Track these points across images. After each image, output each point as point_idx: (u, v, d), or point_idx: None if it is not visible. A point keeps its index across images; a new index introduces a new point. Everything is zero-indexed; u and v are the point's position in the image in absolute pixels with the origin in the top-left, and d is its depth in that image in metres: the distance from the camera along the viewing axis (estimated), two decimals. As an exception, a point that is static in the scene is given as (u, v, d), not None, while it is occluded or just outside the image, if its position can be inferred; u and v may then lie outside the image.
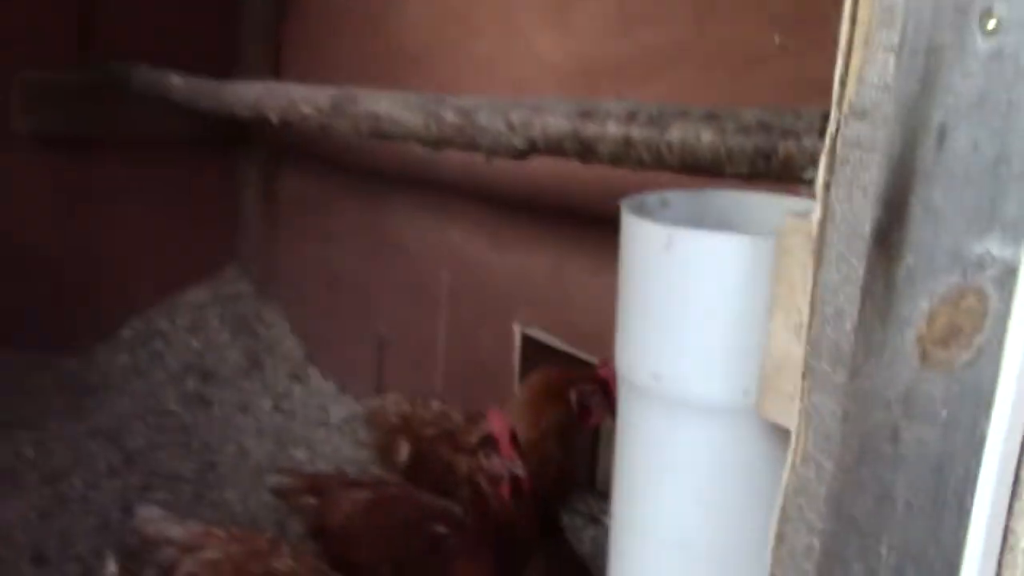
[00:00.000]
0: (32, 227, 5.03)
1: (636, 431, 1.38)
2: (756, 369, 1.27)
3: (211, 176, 5.50)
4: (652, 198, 1.49)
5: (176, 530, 2.55)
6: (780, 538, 1.16)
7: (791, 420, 1.21)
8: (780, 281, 1.22)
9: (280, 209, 5.40)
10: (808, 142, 1.68)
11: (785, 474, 1.15)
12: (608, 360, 3.25)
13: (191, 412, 4.75)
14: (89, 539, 3.69)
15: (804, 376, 1.13)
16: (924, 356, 0.98)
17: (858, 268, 1.03)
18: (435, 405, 3.51)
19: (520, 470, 2.31)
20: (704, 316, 1.28)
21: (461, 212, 3.86)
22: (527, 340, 3.55)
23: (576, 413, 3.12)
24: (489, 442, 2.37)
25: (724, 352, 1.28)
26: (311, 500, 3.00)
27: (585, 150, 2.13)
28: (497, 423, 2.36)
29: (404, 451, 3.42)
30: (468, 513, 2.85)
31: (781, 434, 1.27)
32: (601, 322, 3.22)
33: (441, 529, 2.74)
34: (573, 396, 3.13)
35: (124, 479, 4.09)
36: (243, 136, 5.37)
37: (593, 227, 3.25)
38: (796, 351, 1.21)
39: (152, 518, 2.69)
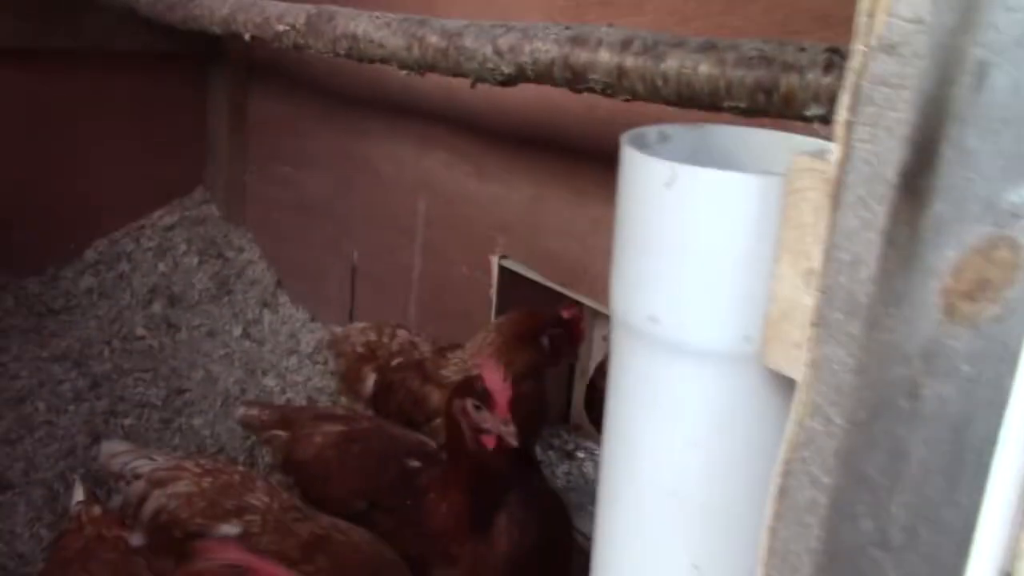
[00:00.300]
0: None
1: (631, 375, 1.33)
2: (759, 315, 1.22)
3: (179, 94, 5.32)
4: (651, 132, 1.42)
5: (144, 463, 2.50)
6: (782, 491, 1.12)
7: (796, 370, 1.16)
8: (789, 224, 1.16)
9: (250, 130, 5.25)
10: (812, 77, 1.61)
11: (789, 425, 1.11)
12: (571, 305, 3.24)
13: (158, 337, 4.67)
14: (55, 465, 3.62)
15: (814, 325, 1.08)
16: (949, 309, 0.93)
17: (879, 214, 0.98)
18: (401, 334, 3.46)
19: (513, 438, 2.27)
20: (706, 257, 1.22)
21: (440, 140, 3.76)
22: (504, 272, 3.49)
23: (547, 355, 3.13)
24: (484, 396, 2.31)
25: (726, 296, 1.23)
26: (281, 433, 2.97)
27: (576, 78, 2.05)
28: (496, 381, 2.30)
29: (369, 380, 3.37)
30: (441, 448, 2.83)
31: (784, 383, 1.23)
32: (581, 255, 3.18)
33: (414, 463, 2.71)
34: (545, 341, 3.12)
35: (91, 404, 4.01)
36: (213, 53, 5.19)
37: (575, 158, 3.18)
38: (804, 298, 1.15)
39: (117, 451, 2.63)
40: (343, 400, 3.56)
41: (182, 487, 2.37)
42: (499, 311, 3.53)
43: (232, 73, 5.22)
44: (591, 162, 3.09)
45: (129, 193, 5.27)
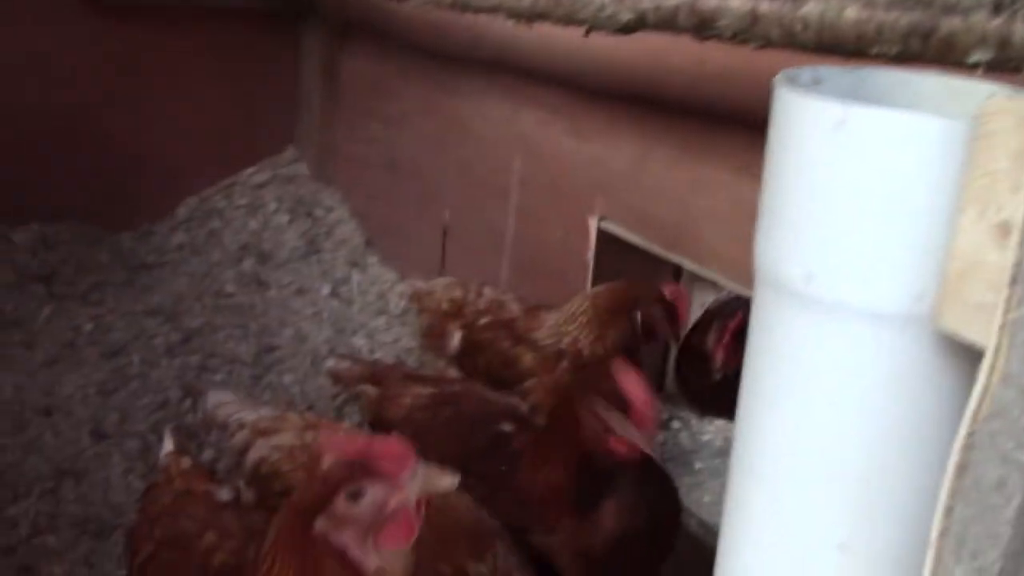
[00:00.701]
0: (84, 100, 4.87)
1: (778, 339, 1.23)
2: (933, 273, 1.10)
3: (272, 52, 5.30)
4: (804, 73, 1.30)
5: (249, 414, 2.48)
6: (962, 468, 1.01)
7: (978, 333, 1.05)
8: (977, 171, 1.04)
9: (342, 88, 5.21)
10: (977, 19, 1.47)
11: (975, 395, 1.00)
12: (674, 284, 3.13)
13: (248, 294, 4.67)
14: (148, 417, 3.65)
15: (1012, 283, 0.96)
16: None
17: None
18: (488, 292, 3.38)
19: (651, 450, 2.18)
20: (875, 207, 1.11)
21: (537, 96, 3.66)
22: (602, 235, 3.38)
23: (640, 332, 3.03)
24: (620, 401, 2.21)
25: (895, 251, 1.11)
26: (370, 389, 2.92)
27: (702, 25, 1.93)
28: (639, 393, 2.20)
29: (455, 337, 3.30)
30: (533, 412, 2.75)
31: (959, 349, 1.11)
32: (683, 217, 3.06)
33: (507, 427, 2.64)
34: (638, 317, 3.02)
35: (182, 358, 4.04)
36: (307, 10, 5.16)
37: (681, 116, 3.05)
38: (990, 254, 1.04)
39: (224, 401, 2.63)
40: (422, 358, 3.51)
41: (286, 439, 2.34)
42: (596, 275, 3.44)
43: (325, 31, 5.18)
44: (698, 120, 2.96)
45: (221, 151, 5.29)
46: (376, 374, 2.99)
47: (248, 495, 2.40)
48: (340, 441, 1.47)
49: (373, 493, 1.42)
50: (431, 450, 2.60)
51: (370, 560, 1.41)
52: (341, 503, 1.39)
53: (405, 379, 2.93)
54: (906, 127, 1.07)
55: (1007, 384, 0.96)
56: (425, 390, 2.83)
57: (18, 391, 3.65)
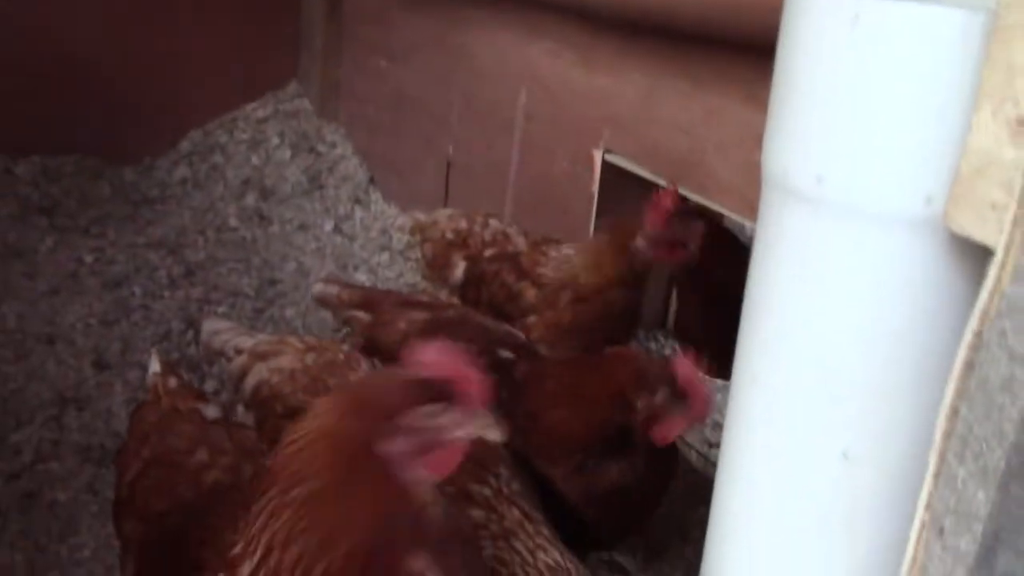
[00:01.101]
0: (86, 34, 4.81)
1: (786, 243, 1.21)
2: (944, 173, 1.08)
3: (273, -18, 5.23)
4: (817, -25, 1.26)
5: (246, 340, 2.46)
6: (969, 367, 0.99)
7: (989, 233, 1.02)
8: (995, 65, 1.01)
9: (345, 21, 5.13)
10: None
11: (984, 294, 0.98)
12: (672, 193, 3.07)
13: (251, 228, 4.65)
14: (151, 347, 3.63)
15: (1027, 177, 0.93)
16: None
17: None
18: (494, 224, 3.36)
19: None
20: (888, 106, 1.08)
21: (545, 28, 3.60)
22: (608, 167, 3.35)
23: (640, 265, 2.99)
24: (674, 388, 2.19)
25: (908, 151, 1.09)
26: (362, 315, 2.87)
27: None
28: (696, 381, 2.17)
29: (459, 268, 3.28)
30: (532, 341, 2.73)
31: (969, 251, 1.09)
32: (692, 148, 3.02)
33: (507, 354, 2.61)
34: (640, 244, 2.97)
35: (185, 291, 4.02)
36: (309, -59, 5.07)
37: (692, 46, 2.99)
38: (1006, 151, 1.01)
39: (219, 328, 2.60)
40: (427, 287, 3.49)
41: (285, 362, 2.32)
42: (600, 209, 3.41)
43: (328, -38, 5.10)
44: (709, 50, 2.91)
45: (223, 85, 5.23)
46: (368, 299, 2.92)
47: (248, 418, 2.39)
48: (434, 356, 1.41)
49: (447, 416, 1.40)
50: None
51: (411, 477, 1.38)
52: (418, 414, 1.36)
53: (399, 304, 2.86)
54: (922, 20, 1.04)
55: (1017, 281, 0.94)
56: (421, 315, 2.78)
57: (20, 320, 3.65)
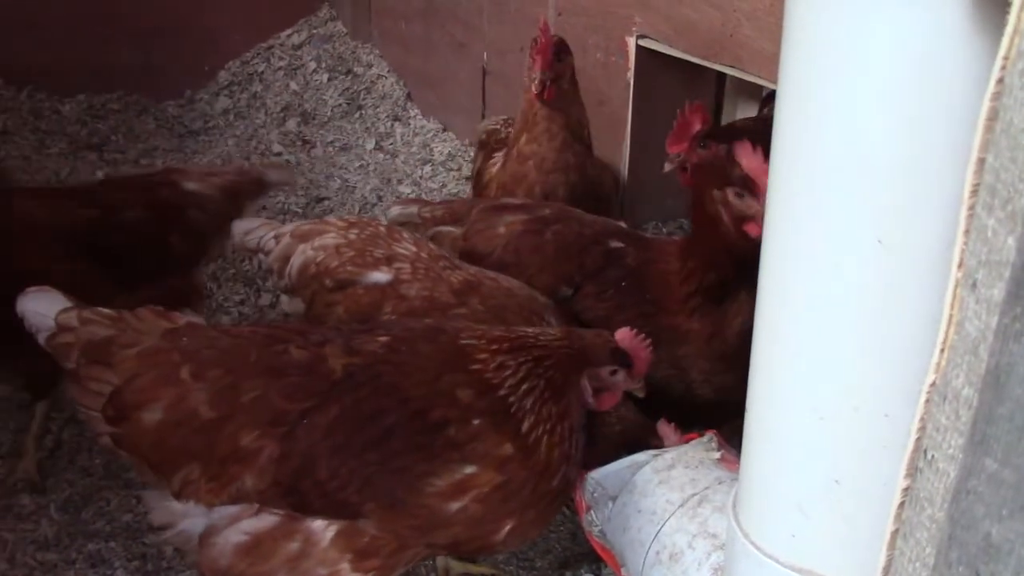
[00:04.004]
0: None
1: (811, 30, 1.22)
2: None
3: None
4: None
5: (284, 227, 2.50)
6: (992, 116, 1.01)
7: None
8: None
9: (373, -61, 5.13)
10: None
11: (1005, 39, 0.99)
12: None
13: (294, 152, 4.72)
14: (205, 266, 3.73)
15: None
16: None
17: None
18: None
19: None
20: None
21: (569, -83, 3.58)
22: (642, 52, 3.34)
23: None
24: (746, 183, 2.19)
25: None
26: (451, 229, 2.83)
27: None
28: (757, 164, 2.17)
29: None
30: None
31: (993, 24, 1.10)
32: (724, 22, 3.00)
33: (617, 243, 2.61)
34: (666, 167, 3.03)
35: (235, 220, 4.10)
36: None
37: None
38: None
39: (252, 227, 2.60)
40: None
41: (329, 239, 2.37)
42: (636, 95, 3.41)
43: None
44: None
45: (257, 14, 5.28)
46: (453, 213, 2.89)
47: (296, 305, 2.44)
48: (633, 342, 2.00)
49: (621, 375, 1.98)
50: (539, 275, 2.58)
51: (590, 404, 1.98)
52: (606, 372, 1.96)
53: (490, 210, 2.82)
54: None
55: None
56: (519, 216, 2.74)
57: (80, 245, 3.76)
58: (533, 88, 2.93)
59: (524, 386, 1.84)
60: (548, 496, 1.87)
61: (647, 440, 2.23)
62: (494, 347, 1.87)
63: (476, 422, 1.79)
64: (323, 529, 1.78)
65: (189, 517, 1.85)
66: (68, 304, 1.93)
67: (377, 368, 1.84)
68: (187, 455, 1.80)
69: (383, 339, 1.89)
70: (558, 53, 2.95)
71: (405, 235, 2.40)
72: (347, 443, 1.77)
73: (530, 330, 1.97)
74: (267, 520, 1.80)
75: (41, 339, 1.92)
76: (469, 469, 1.77)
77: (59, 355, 1.90)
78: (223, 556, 1.80)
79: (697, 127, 2.91)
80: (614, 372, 1.98)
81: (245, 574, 1.80)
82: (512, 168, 3.06)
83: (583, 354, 1.93)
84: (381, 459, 1.76)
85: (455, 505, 1.77)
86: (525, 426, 1.82)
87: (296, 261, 2.39)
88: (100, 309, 1.95)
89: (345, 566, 1.79)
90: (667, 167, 3.00)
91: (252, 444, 1.77)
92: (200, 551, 1.84)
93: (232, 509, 1.81)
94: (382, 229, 2.40)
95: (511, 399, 1.82)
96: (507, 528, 1.83)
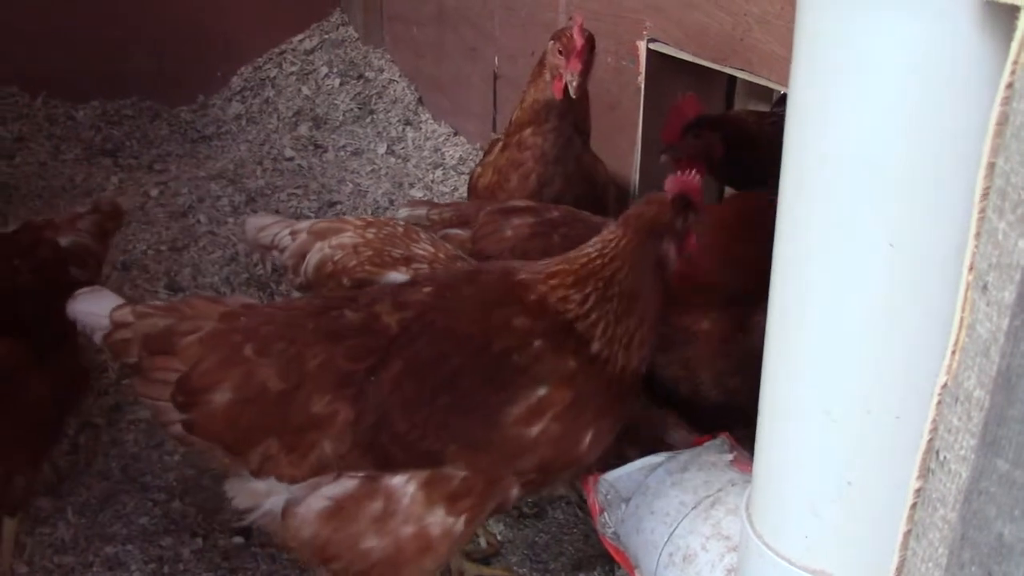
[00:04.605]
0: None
1: (819, 38, 1.23)
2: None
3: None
4: None
5: (300, 223, 2.52)
6: (1002, 120, 1.02)
7: (1019, -8, 1.04)
8: None
9: (384, -55, 5.16)
10: None
11: (1015, 44, 1.00)
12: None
13: (306, 157, 4.75)
14: (220, 271, 3.77)
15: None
16: None
17: None
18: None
19: None
20: None
21: (580, -79, 3.59)
22: (653, 56, 3.35)
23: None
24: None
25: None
26: (459, 232, 2.84)
27: None
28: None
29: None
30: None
31: (998, 19, 1.11)
32: (734, 26, 3.01)
33: None
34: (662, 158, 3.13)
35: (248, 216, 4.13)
36: None
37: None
38: (1031, -93, 1.02)
39: (265, 223, 2.61)
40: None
41: (346, 238, 2.38)
42: (648, 98, 3.42)
43: None
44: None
45: (269, 19, 5.33)
46: (462, 215, 2.90)
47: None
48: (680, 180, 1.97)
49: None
50: None
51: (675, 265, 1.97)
52: (680, 222, 1.95)
53: (498, 213, 2.83)
54: None
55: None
56: (526, 219, 2.76)
57: (95, 250, 3.79)
58: (572, 91, 2.94)
59: (592, 315, 1.84)
60: (622, 399, 1.89)
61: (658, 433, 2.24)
62: (553, 282, 1.88)
63: (537, 343, 1.80)
64: (403, 484, 1.79)
65: (272, 495, 1.86)
66: (120, 301, 1.95)
67: (429, 316, 1.85)
68: (263, 430, 1.81)
69: (427, 289, 1.91)
70: (591, 51, 2.98)
71: (422, 235, 2.41)
72: (417, 393, 1.78)
73: (593, 247, 1.94)
74: (347, 484, 1.81)
75: (97, 338, 1.94)
76: (541, 391, 1.78)
77: (118, 352, 1.92)
78: (306, 525, 1.81)
79: (690, 117, 2.95)
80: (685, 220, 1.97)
81: (331, 540, 1.81)
82: (511, 154, 3.09)
83: (652, 232, 1.92)
84: (453, 401, 1.78)
85: (536, 428, 1.78)
86: (595, 347, 1.83)
87: (313, 259, 2.40)
88: (153, 302, 2.00)
89: (439, 513, 1.80)
90: (663, 158, 3.04)
91: (325, 409, 1.78)
92: (283, 524, 1.84)
93: (312, 480, 1.82)
94: (399, 229, 2.41)
95: (576, 325, 1.84)
96: (588, 439, 1.85)
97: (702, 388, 2.47)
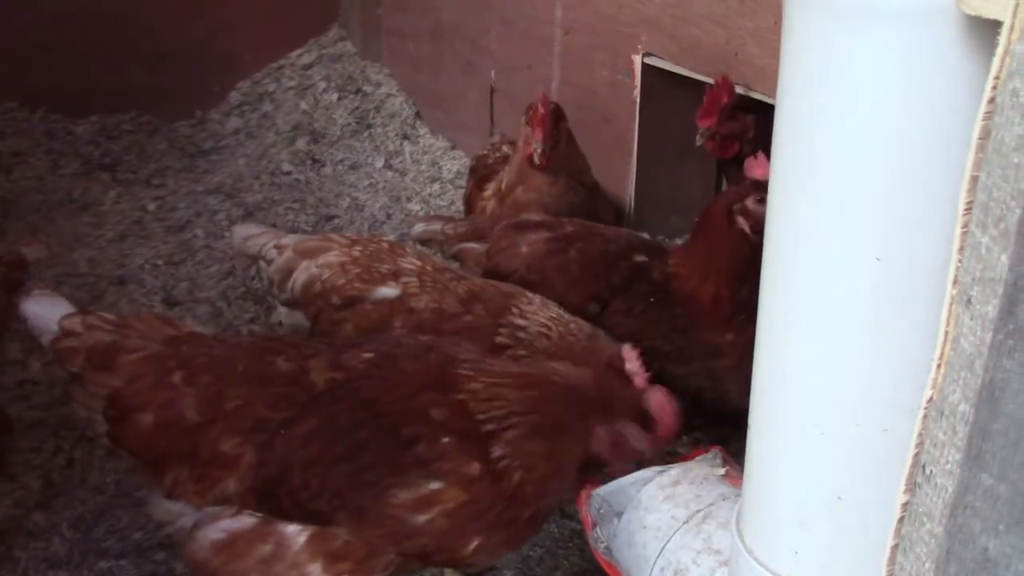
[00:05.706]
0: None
1: (804, 57, 1.24)
2: (956, -40, 1.10)
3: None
4: None
5: (286, 238, 2.53)
6: (984, 135, 1.02)
7: (1001, 8, 1.05)
8: None
9: (382, -39, 5.18)
10: None
11: (996, 60, 1.00)
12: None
13: (304, 171, 4.76)
14: (216, 284, 3.77)
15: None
16: None
17: None
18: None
19: None
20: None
21: (575, -63, 3.61)
22: (648, 70, 3.37)
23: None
24: (761, 187, 2.24)
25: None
26: (474, 246, 2.85)
27: None
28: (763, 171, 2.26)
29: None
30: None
31: (983, 39, 1.11)
32: (729, 40, 3.02)
33: (641, 258, 2.63)
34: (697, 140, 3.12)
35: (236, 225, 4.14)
36: None
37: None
38: (1012, -77, 1.03)
39: (252, 233, 2.64)
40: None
41: (333, 257, 2.39)
42: (643, 112, 3.44)
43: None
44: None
45: (267, 34, 5.34)
46: (477, 230, 2.91)
47: (295, 317, 2.46)
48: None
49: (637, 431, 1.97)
50: (564, 293, 2.60)
51: (599, 453, 1.95)
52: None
53: (512, 228, 2.83)
54: None
55: (1026, 39, 0.96)
56: (541, 235, 2.76)
57: (92, 264, 3.80)
58: (536, 158, 3.04)
59: (512, 420, 1.84)
60: (519, 522, 1.89)
61: None
62: (494, 380, 1.88)
63: (445, 440, 1.82)
64: (296, 534, 1.83)
65: (183, 516, 1.92)
66: (71, 309, 2.01)
67: (356, 383, 1.88)
68: (176, 457, 1.87)
69: (368, 356, 1.93)
70: (556, 121, 3.07)
71: (408, 249, 2.42)
72: (320, 455, 1.81)
73: (560, 367, 1.96)
74: (244, 521, 1.86)
75: (44, 341, 2.00)
76: (435, 484, 1.80)
77: (62, 358, 1.98)
78: (201, 550, 1.87)
79: (725, 99, 2.97)
80: (636, 429, 1.96)
81: (220, 570, 1.86)
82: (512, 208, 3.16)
83: (604, 403, 1.91)
84: (352, 471, 1.81)
85: (423, 518, 1.81)
86: (496, 453, 1.83)
87: (300, 277, 2.41)
88: (103, 314, 2.04)
89: (316, 568, 1.83)
90: (698, 140, 3.09)
91: (233, 450, 1.84)
92: (184, 544, 1.91)
93: (215, 509, 1.87)
94: (385, 245, 2.43)
95: (489, 426, 1.84)
96: (474, 544, 1.86)
97: (729, 397, 2.50)
